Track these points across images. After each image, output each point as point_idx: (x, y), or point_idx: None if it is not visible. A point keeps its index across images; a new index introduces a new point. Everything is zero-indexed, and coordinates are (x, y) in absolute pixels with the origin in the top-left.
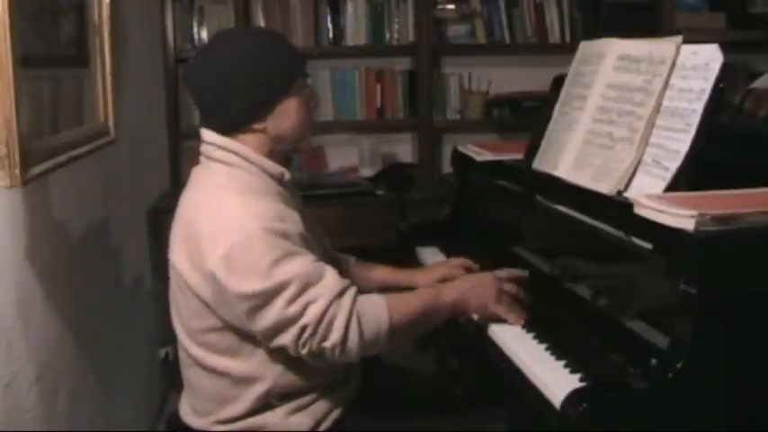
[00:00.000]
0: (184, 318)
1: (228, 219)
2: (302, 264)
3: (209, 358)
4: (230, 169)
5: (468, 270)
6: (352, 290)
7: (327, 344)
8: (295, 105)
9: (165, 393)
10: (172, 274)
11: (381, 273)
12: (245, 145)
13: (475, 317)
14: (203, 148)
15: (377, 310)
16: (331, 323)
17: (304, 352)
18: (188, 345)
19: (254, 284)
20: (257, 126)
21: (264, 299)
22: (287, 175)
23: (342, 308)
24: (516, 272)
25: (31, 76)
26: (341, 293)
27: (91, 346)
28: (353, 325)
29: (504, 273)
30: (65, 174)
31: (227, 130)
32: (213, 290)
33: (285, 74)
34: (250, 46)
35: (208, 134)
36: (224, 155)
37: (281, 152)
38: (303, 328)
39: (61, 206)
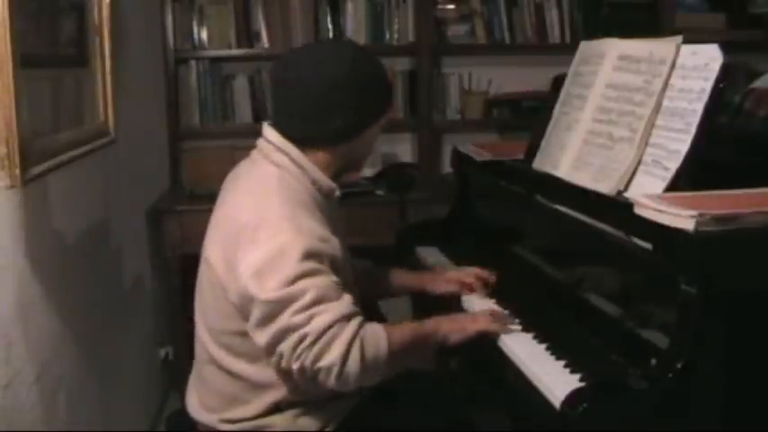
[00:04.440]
0: (209, 316)
1: (270, 229)
2: (323, 281)
3: (228, 360)
4: (280, 172)
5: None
6: (360, 318)
7: (323, 364)
8: (376, 132)
9: (165, 393)
10: (203, 268)
11: (402, 277)
12: (310, 157)
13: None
14: (262, 144)
15: (377, 337)
16: (331, 341)
17: (296, 366)
18: (208, 342)
19: (274, 292)
20: (341, 146)
21: (279, 306)
22: (337, 192)
23: (346, 330)
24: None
25: (31, 76)
26: (349, 317)
27: (91, 346)
28: (356, 348)
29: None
30: (65, 174)
31: (312, 142)
32: (240, 294)
33: (383, 101)
34: (361, 66)
35: (271, 133)
36: (278, 156)
37: (341, 170)
38: (303, 337)
39: (61, 206)
